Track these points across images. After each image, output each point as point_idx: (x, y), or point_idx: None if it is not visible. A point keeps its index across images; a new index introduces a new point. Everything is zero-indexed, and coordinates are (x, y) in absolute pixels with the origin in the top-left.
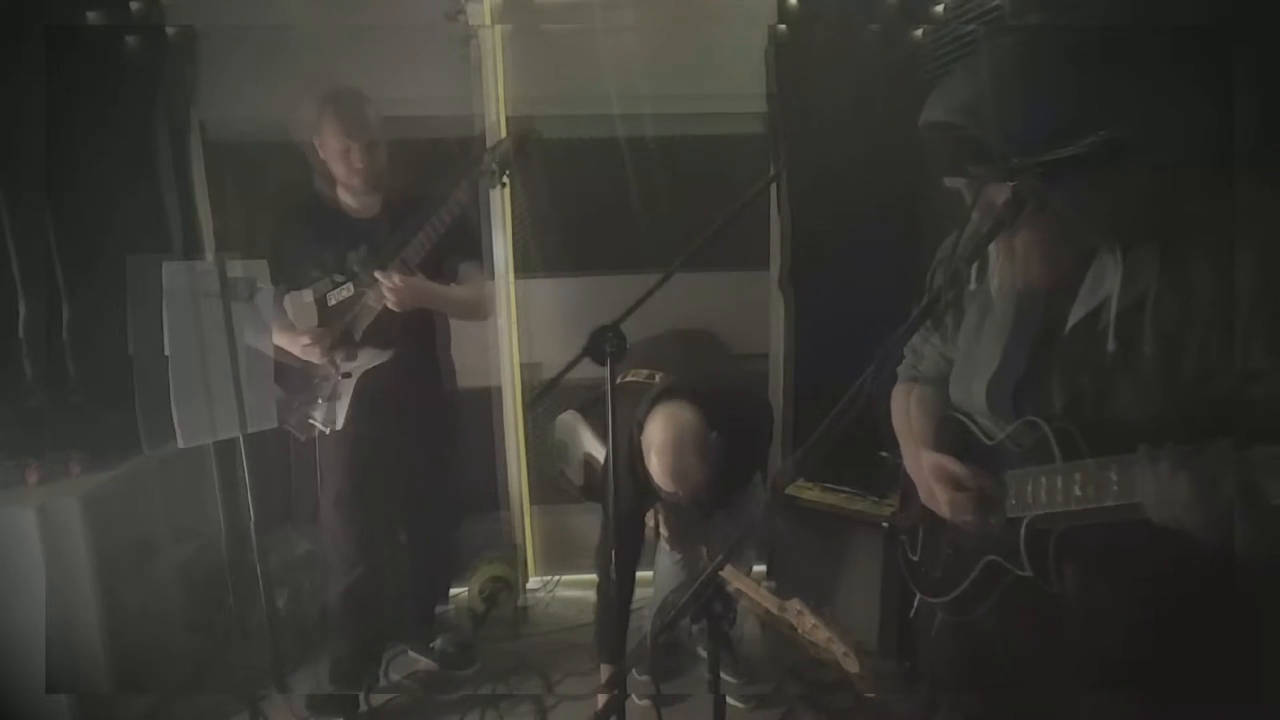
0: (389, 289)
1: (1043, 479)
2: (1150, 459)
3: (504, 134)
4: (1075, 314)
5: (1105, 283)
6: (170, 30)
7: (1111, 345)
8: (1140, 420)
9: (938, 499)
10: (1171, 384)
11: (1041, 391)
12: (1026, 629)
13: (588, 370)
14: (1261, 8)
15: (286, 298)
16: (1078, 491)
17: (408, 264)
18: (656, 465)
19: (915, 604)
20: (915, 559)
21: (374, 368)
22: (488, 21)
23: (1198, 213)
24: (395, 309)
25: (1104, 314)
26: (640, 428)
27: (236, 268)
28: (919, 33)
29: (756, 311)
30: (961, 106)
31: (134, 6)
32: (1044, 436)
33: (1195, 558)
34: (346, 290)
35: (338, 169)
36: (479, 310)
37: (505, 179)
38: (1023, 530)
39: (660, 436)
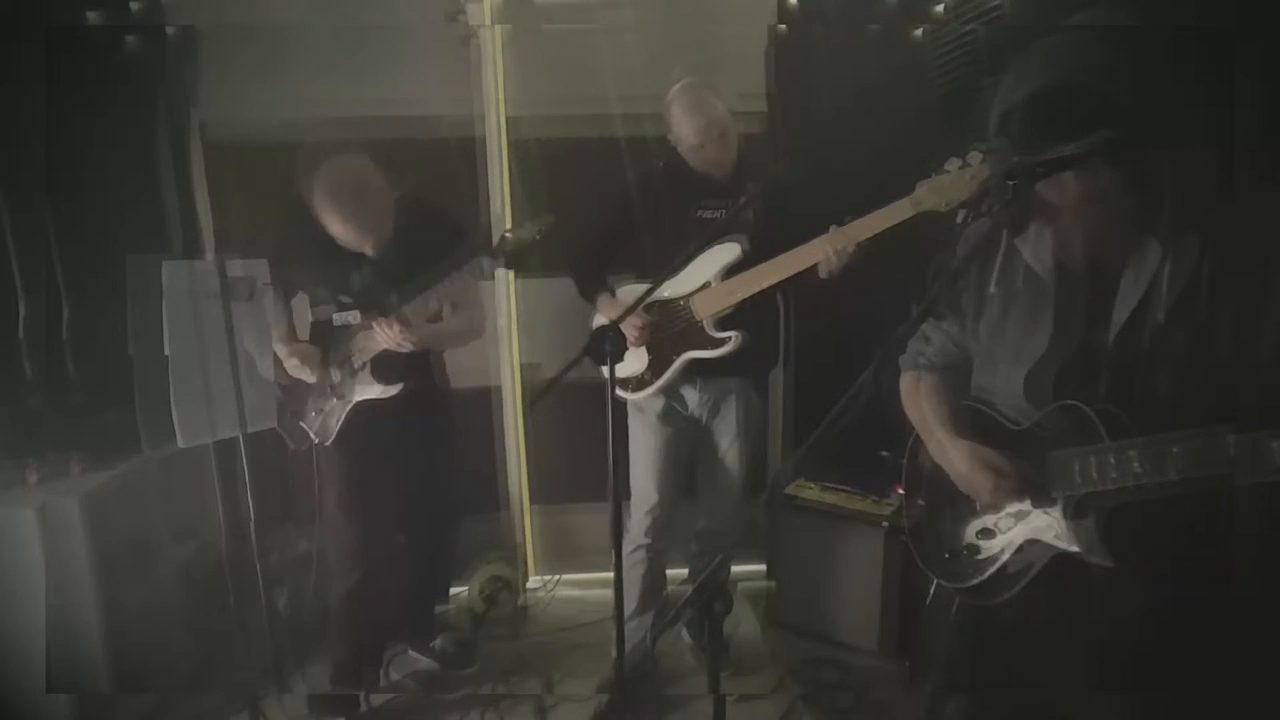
0: (388, 339)
1: (1092, 458)
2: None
3: (504, 139)
4: (1121, 300)
5: (1150, 269)
6: (170, 30)
7: (1160, 327)
8: (1187, 398)
9: (976, 488)
10: (1217, 363)
11: (1083, 376)
12: (1050, 615)
13: (588, 370)
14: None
15: (293, 301)
16: (1136, 468)
17: (408, 318)
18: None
19: (932, 590)
20: (935, 544)
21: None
22: (488, 21)
23: (1238, 200)
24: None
25: (1152, 299)
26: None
27: (236, 268)
28: (919, 33)
29: None
30: (1087, 66)
31: (134, 6)
32: (1085, 418)
33: (1247, 534)
34: (353, 317)
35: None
36: (471, 337)
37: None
38: (1066, 509)
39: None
